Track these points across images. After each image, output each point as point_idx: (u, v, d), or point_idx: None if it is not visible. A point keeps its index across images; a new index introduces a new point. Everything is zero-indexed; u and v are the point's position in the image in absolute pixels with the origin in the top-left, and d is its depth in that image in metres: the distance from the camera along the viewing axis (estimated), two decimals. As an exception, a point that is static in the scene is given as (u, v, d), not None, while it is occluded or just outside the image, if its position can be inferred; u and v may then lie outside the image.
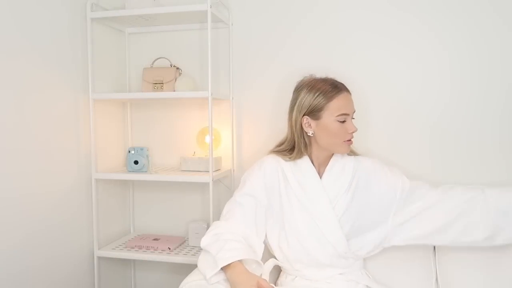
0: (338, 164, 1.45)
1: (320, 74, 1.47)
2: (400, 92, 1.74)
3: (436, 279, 1.52)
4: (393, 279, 1.51)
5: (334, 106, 1.36)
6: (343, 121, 1.37)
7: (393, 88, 1.75)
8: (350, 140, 1.39)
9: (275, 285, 1.43)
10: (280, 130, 1.49)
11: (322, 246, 1.38)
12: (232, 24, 1.89)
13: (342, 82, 1.42)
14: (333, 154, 1.46)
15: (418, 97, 1.73)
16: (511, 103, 1.65)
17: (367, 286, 1.42)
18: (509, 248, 1.44)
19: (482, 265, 1.47)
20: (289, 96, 1.47)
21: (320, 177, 1.44)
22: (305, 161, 1.44)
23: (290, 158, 1.44)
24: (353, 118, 1.41)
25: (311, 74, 1.47)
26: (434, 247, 1.54)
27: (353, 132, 1.39)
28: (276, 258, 1.45)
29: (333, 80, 1.42)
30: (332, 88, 1.37)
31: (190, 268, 1.47)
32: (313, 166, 1.44)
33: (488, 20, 1.64)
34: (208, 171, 1.72)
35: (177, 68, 1.90)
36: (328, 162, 1.45)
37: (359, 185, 1.43)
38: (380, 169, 1.46)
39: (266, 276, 1.35)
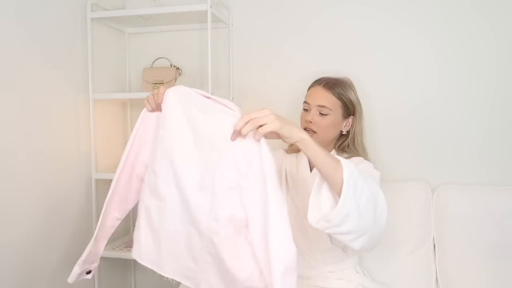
0: None
1: (320, 74, 1.48)
2: (400, 94, 1.75)
3: (436, 279, 1.52)
4: (393, 279, 1.51)
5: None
6: (306, 110, 1.41)
7: (393, 89, 1.75)
8: (305, 129, 1.38)
9: None
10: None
11: (307, 241, 1.39)
12: (232, 24, 1.89)
13: (335, 78, 1.44)
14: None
15: (418, 99, 1.73)
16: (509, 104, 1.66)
17: (361, 285, 1.40)
18: (509, 248, 1.45)
19: (482, 265, 1.47)
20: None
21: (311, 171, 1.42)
22: (302, 154, 1.43)
23: (287, 151, 1.51)
24: (323, 114, 1.38)
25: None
26: (434, 246, 1.55)
27: (307, 121, 1.39)
28: None
29: (327, 77, 1.46)
30: (312, 83, 1.45)
31: (190, 268, 1.47)
32: (307, 160, 1.42)
33: (488, 24, 1.65)
34: (208, 171, 1.72)
35: (177, 68, 1.89)
36: None
37: None
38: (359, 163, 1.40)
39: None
